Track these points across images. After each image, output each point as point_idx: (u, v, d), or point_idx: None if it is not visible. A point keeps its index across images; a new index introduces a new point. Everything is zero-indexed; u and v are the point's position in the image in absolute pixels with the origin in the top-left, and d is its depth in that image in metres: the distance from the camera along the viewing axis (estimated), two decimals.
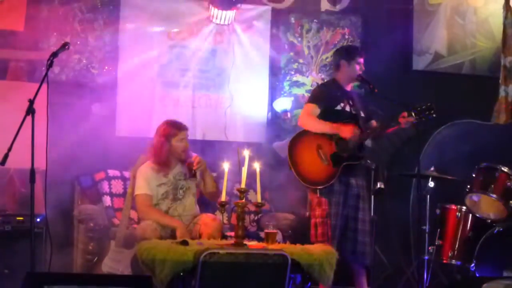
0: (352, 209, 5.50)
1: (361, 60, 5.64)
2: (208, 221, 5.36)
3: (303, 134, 5.63)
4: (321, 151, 5.52)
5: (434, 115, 5.30)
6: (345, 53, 5.70)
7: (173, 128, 5.55)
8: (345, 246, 5.46)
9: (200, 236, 5.26)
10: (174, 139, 5.51)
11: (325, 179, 5.46)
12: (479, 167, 5.96)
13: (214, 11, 6.67)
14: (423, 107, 5.29)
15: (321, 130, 5.52)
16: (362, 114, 5.62)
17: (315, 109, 5.58)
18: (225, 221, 6.08)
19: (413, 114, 5.28)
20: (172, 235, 5.20)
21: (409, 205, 6.77)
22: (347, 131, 5.42)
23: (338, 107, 5.57)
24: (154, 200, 5.50)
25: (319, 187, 5.49)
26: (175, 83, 6.74)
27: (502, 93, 7.09)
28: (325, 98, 5.60)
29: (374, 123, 5.69)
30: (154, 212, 5.44)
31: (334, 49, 6.54)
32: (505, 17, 7.19)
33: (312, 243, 5.23)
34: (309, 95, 5.91)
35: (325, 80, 6.88)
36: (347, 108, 5.58)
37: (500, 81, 7.11)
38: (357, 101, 5.64)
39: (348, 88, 5.68)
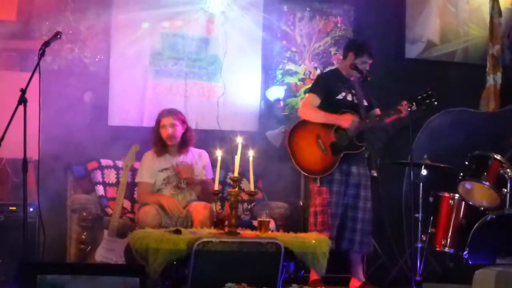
0: (352, 198, 5.52)
1: (370, 61, 5.60)
2: (199, 208, 5.46)
3: (303, 123, 5.64)
4: (320, 141, 5.53)
5: (435, 103, 5.31)
6: (356, 47, 5.65)
7: (160, 114, 5.85)
8: (344, 235, 5.48)
9: (192, 223, 5.34)
10: (160, 124, 5.80)
11: (324, 168, 5.48)
12: (472, 155, 5.97)
13: None
14: (424, 95, 5.29)
15: (320, 120, 5.53)
16: (365, 103, 5.62)
17: (315, 99, 5.59)
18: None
19: (413, 103, 5.28)
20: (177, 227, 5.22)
21: (402, 193, 6.77)
22: (345, 120, 5.43)
23: (339, 97, 5.57)
24: (156, 186, 5.73)
25: (318, 176, 5.50)
26: (168, 72, 6.71)
27: (490, 81, 7.09)
28: (325, 88, 5.61)
29: (378, 111, 5.69)
30: (149, 196, 5.69)
31: (348, 39, 6.57)
32: (492, 7, 7.20)
33: (311, 232, 5.26)
34: (311, 84, 5.90)
35: (327, 69, 6.88)
36: (349, 98, 5.58)
37: (487, 69, 7.11)
38: (359, 91, 5.63)
39: (352, 77, 5.67)
